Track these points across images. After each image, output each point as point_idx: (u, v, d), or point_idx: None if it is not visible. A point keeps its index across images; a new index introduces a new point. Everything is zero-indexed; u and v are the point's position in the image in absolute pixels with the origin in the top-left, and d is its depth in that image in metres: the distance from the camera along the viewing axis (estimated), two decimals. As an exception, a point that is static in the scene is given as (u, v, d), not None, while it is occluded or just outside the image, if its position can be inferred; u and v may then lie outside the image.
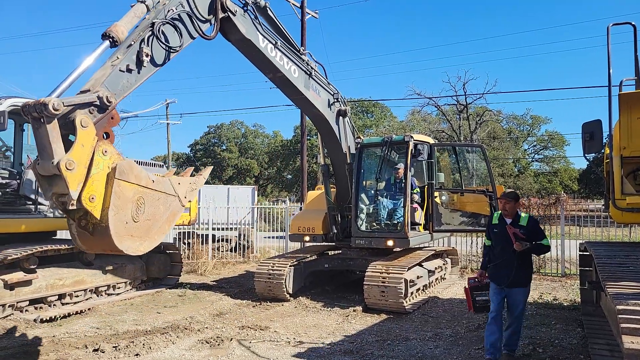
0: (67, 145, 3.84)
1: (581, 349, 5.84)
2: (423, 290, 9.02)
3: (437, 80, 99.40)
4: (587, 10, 76.31)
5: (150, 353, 5.73)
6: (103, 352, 5.71)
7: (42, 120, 3.68)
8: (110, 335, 6.53)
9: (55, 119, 3.74)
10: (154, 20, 4.96)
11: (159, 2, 5.11)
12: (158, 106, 39.75)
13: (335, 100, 8.79)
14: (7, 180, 7.69)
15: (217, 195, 16.65)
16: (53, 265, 7.92)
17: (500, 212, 5.51)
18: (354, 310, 7.86)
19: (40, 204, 7.86)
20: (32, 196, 7.76)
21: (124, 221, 4.04)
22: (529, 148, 54.40)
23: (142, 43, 4.82)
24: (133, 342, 5.97)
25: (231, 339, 6.27)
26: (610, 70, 4.95)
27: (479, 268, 5.75)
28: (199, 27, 5.54)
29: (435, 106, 38.55)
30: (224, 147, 59.54)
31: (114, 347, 5.87)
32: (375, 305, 7.84)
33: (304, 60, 7.83)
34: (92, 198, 3.85)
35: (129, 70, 4.70)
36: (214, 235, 14.93)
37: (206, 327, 6.89)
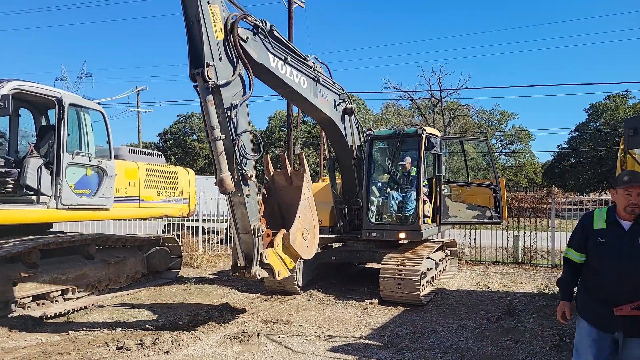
0: None
1: (605, 338, 6.00)
2: (431, 282, 9.09)
3: (412, 74, 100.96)
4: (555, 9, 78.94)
5: (180, 350, 5.50)
6: (129, 350, 5.43)
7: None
8: (129, 332, 6.24)
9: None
10: (237, 139, 5.70)
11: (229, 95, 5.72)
12: (128, 93, 38.43)
13: (342, 100, 8.63)
14: (6, 169, 7.19)
15: (208, 186, 16.06)
16: (54, 258, 7.51)
17: (606, 209, 3.28)
18: (371, 303, 7.83)
19: (43, 194, 7.38)
20: (34, 186, 7.27)
21: (306, 245, 6.61)
22: (496, 142, 55.91)
23: (241, 169, 5.79)
24: (158, 338, 5.71)
25: (258, 334, 6.10)
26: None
27: (561, 299, 3.51)
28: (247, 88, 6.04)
29: (411, 100, 38.96)
30: (195, 137, 58.30)
31: (138, 344, 5.60)
32: (391, 298, 7.83)
33: (310, 68, 7.57)
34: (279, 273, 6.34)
35: (248, 195, 5.89)
36: (203, 227, 14.58)
37: (227, 322, 6.69)
